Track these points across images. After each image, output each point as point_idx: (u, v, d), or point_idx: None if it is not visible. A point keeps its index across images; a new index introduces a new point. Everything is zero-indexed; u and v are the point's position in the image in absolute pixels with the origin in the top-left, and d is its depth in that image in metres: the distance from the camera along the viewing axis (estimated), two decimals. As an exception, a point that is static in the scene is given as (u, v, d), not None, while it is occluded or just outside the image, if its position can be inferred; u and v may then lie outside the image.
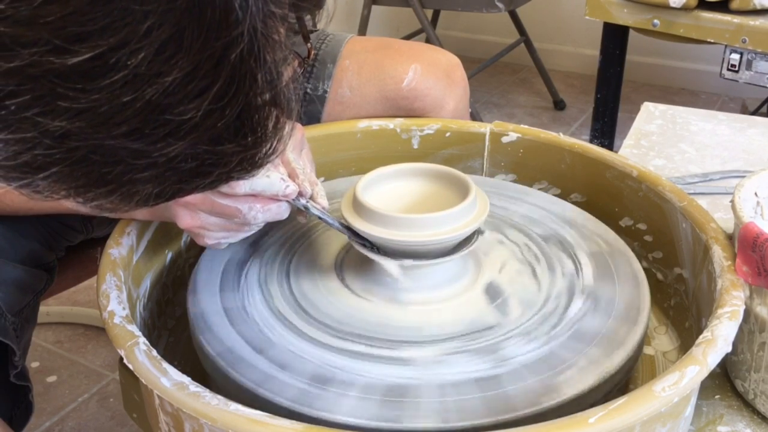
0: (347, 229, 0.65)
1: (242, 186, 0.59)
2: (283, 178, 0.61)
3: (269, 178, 0.60)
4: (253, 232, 0.66)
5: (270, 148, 0.42)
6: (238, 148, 0.39)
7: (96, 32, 0.32)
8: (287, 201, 0.63)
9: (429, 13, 2.75)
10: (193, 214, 0.63)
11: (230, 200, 0.61)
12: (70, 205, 0.68)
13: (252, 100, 0.38)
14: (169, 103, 0.35)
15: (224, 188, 0.59)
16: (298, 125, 0.70)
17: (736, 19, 1.55)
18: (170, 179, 0.39)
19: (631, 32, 1.80)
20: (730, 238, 0.65)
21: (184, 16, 0.33)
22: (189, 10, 0.33)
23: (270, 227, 0.67)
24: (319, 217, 0.65)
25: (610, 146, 1.92)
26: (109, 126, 0.35)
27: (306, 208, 0.64)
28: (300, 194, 0.63)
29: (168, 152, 0.37)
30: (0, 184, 0.38)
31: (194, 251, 0.78)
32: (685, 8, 1.59)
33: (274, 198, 0.62)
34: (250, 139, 0.40)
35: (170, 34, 0.33)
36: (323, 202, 0.66)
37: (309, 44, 0.51)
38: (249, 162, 0.41)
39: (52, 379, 1.52)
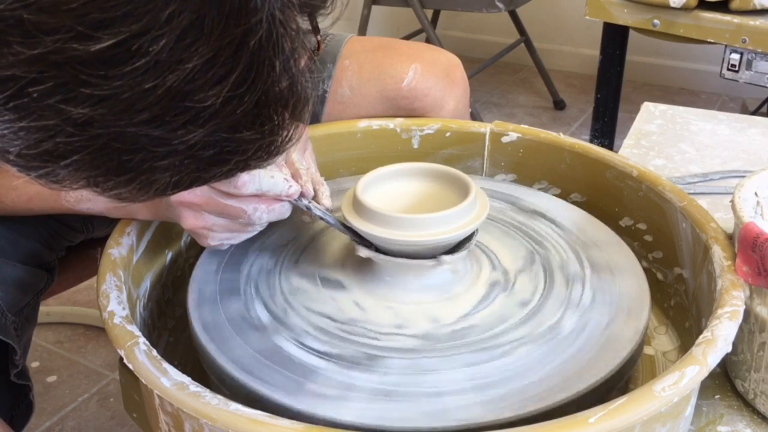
0: (348, 229, 0.66)
1: (248, 186, 0.59)
2: (286, 178, 0.61)
3: (273, 179, 0.60)
4: (256, 232, 0.66)
5: (287, 136, 0.42)
6: (256, 135, 0.40)
7: (118, 19, 0.32)
8: (290, 201, 0.63)
9: (429, 13, 2.75)
10: (198, 214, 0.63)
11: (235, 201, 0.61)
12: (71, 205, 0.69)
13: (270, 87, 0.38)
14: (189, 90, 0.35)
15: (229, 189, 0.59)
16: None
17: (736, 19, 1.55)
18: (189, 167, 0.39)
19: (631, 32, 1.80)
20: (730, 238, 0.65)
21: (204, 2, 0.34)
22: None
23: (271, 224, 0.67)
24: (321, 218, 0.65)
25: (610, 146, 1.92)
26: (131, 113, 0.35)
27: (308, 208, 0.64)
28: (302, 195, 0.63)
29: (188, 139, 0.37)
30: (19, 173, 0.38)
31: (194, 251, 0.78)
32: (685, 8, 1.59)
33: (278, 198, 0.62)
34: (267, 126, 0.40)
35: (191, 20, 0.34)
36: (327, 202, 0.66)
37: (318, 36, 0.52)
38: (266, 150, 0.42)
39: (52, 379, 1.52)
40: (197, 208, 0.62)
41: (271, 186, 0.60)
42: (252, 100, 0.38)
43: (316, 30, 0.52)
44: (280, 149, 0.42)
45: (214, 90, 0.36)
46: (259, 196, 0.61)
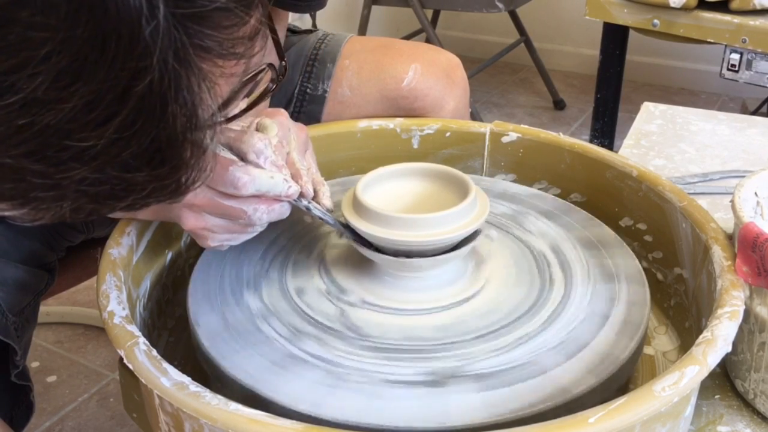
0: (347, 229, 0.66)
1: (248, 187, 0.59)
2: (286, 178, 0.62)
3: (273, 179, 0.60)
4: (256, 233, 0.66)
5: (190, 177, 0.41)
6: (150, 177, 0.39)
7: None
8: (289, 201, 0.63)
9: (429, 13, 2.75)
10: (198, 215, 0.63)
11: (235, 201, 0.61)
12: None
13: (162, 131, 0.37)
14: (70, 129, 0.35)
15: (229, 190, 0.59)
16: (302, 125, 0.70)
17: (736, 19, 1.55)
18: (81, 200, 0.39)
19: (631, 32, 1.80)
20: (730, 238, 0.65)
21: (85, 45, 0.33)
22: (90, 40, 0.33)
23: (271, 224, 0.67)
24: (320, 218, 0.65)
25: (610, 146, 1.92)
26: (6, 146, 0.35)
27: (308, 209, 0.64)
28: (302, 195, 0.63)
29: (71, 176, 0.37)
30: None
31: (194, 251, 0.78)
32: (685, 8, 1.59)
33: (278, 199, 0.62)
34: (165, 168, 0.39)
35: (69, 62, 0.33)
36: (327, 202, 0.66)
37: (284, 61, 0.51)
38: (168, 190, 0.41)
39: (52, 379, 1.52)
40: (197, 209, 0.62)
41: (270, 186, 0.61)
42: (141, 143, 0.37)
43: (281, 56, 0.51)
44: (183, 189, 0.41)
45: (97, 131, 0.35)
46: (259, 197, 0.61)
